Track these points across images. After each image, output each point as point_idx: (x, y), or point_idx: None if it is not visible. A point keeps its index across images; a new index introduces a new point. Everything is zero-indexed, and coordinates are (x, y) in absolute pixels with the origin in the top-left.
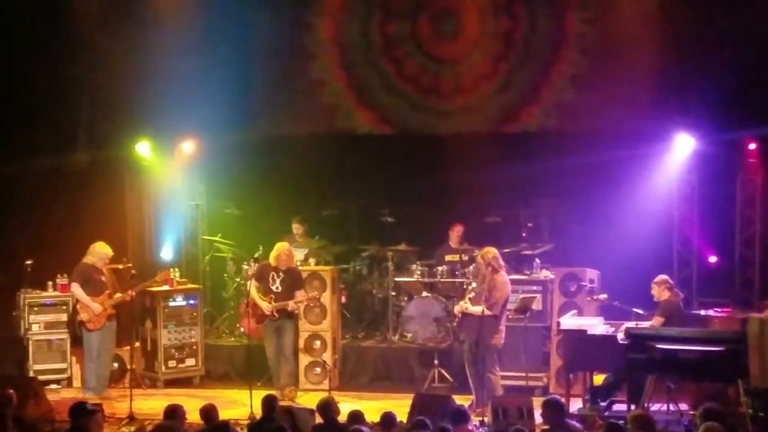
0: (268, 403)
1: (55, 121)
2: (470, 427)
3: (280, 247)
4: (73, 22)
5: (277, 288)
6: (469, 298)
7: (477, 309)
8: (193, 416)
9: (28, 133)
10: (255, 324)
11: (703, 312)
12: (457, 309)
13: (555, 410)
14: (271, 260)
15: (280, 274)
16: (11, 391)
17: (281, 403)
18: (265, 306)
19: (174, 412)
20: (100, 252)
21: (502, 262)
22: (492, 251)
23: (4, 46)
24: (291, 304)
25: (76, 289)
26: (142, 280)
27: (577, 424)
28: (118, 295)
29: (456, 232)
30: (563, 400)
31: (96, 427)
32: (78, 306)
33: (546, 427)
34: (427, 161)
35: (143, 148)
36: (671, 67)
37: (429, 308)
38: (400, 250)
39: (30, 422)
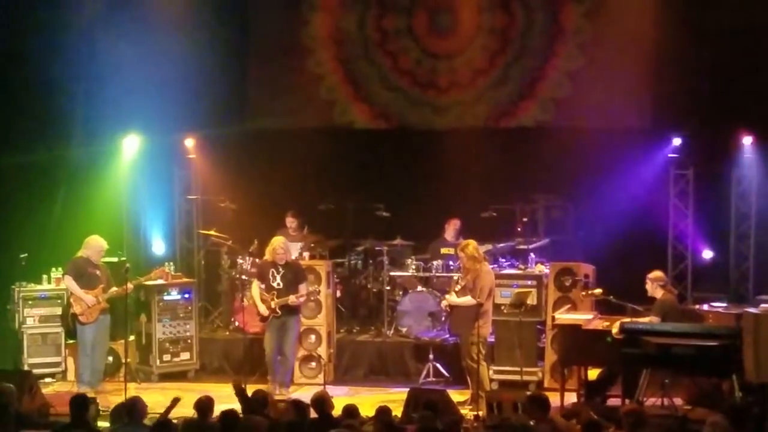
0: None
1: (50, 115)
2: None
3: (275, 241)
4: (70, 18)
5: (278, 284)
6: (455, 291)
7: (463, 300)
8: (188, 410)
9: (23, 127)
10: (260, 322)
11: (697, 307)
12: (444, 303)
13: (540, 406)
14: (268, 256)
15: (280, 269)
16: (11, 385)
17: (277, 398)
18: (262, 309)
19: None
20: (95, 245)
21: (482, 253)
22: (471, 243)
23: None
24: (291, 299)
25: (69, 281)
26: (137, 274)
27: (562, 421)
28: (114, 288)
29: (452, 226)
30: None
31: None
32: (71, 299)
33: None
34: (423, 156)
35: (138, 143)
36: (667, 62)
37: (424, 303)
38: (395, 244)
39: (25, 416)
